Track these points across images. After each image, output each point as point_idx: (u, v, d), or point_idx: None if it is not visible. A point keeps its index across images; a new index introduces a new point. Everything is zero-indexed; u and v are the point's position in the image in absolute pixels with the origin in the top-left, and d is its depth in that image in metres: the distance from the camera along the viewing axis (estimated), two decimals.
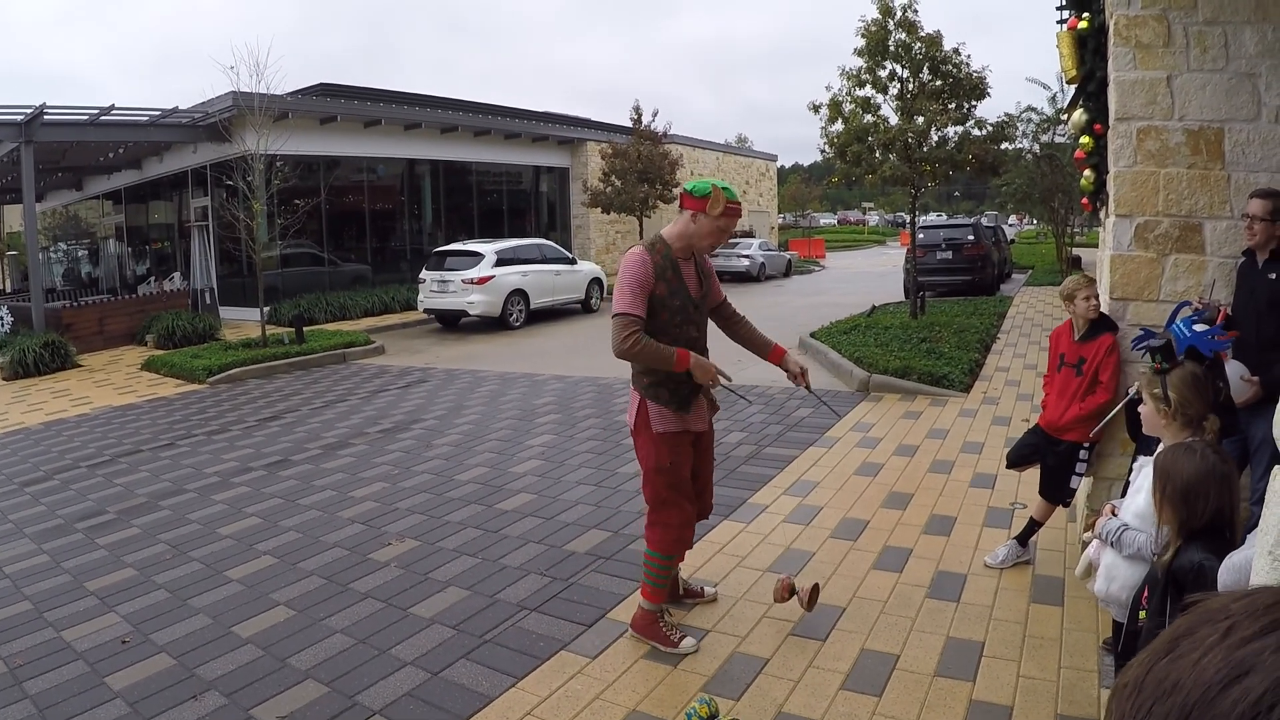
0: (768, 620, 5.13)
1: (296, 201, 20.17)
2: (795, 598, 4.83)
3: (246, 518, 7.68)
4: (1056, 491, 5.63)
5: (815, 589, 4.92)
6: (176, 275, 27.24)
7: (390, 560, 6.39)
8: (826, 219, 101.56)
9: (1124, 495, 4.08)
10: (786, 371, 5.14)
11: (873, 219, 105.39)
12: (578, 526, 6.92)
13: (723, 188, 4.68)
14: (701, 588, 5.47)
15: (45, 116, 19.92)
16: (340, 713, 4.39)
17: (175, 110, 23.24)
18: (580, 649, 4.89)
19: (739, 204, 4.77)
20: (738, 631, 5.01)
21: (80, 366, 18.36)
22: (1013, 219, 58.95)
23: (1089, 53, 5.86)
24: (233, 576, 6.30)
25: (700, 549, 6.24)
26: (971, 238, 23.79)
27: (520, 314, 21.09)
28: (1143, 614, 3.17)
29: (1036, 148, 27.97)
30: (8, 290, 33.20)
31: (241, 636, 5.32)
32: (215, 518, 7.73)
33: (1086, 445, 5.48)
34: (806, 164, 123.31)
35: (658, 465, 4.75)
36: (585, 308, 24.00)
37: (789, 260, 37.98)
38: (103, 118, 21.41)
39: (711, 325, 5.23)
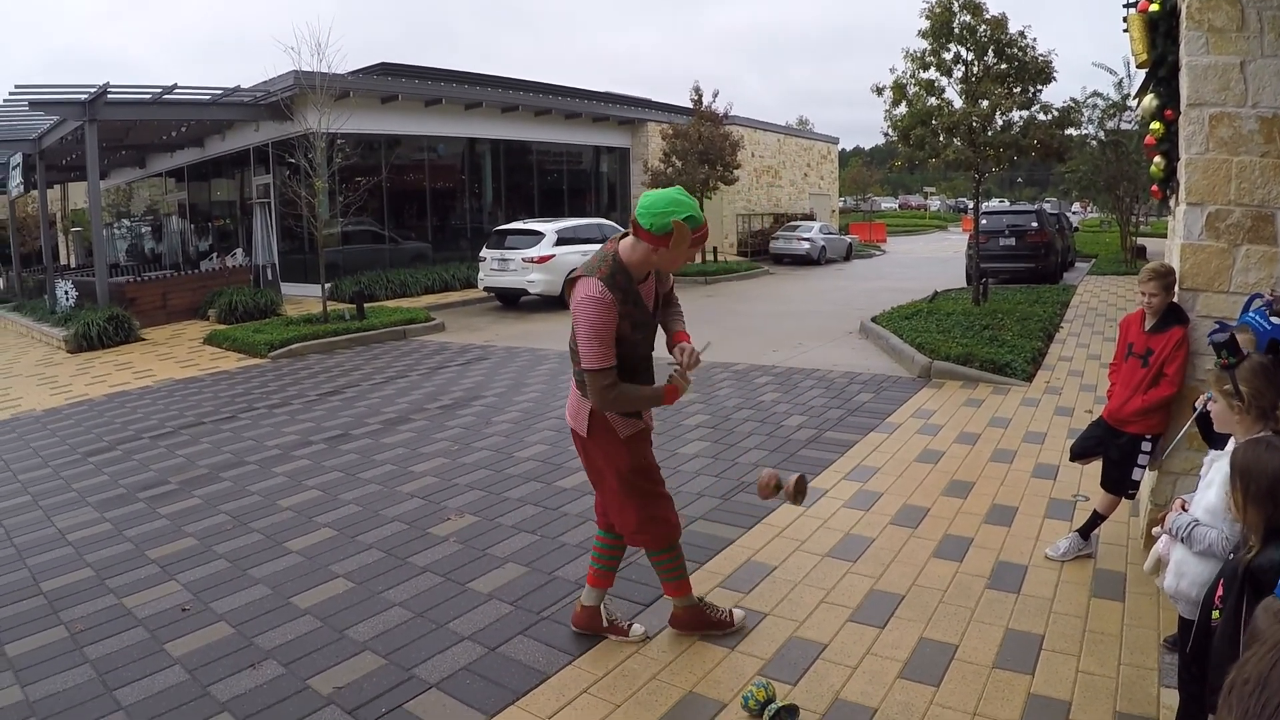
0: (826, 605, 5.09)
1: (358, 179, 20.31)
2: (781, 492, 4.50)
3: (306, 490, 7.76)
4: (1119, 484, 5.53)
5: (801, 480, 4.51)
6: (239, 251, 27.57)
7: (449, 535, 6.42)
8: (888, 203, 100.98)
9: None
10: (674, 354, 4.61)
11: (934, 204, 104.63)
12: None
13: (686, 217, 4.05)
14: (629, 625, 4.91)
15: (109, 95, 20.18)
16: (397, 685, 4.42)
17: (237, 89, 23.46)
18: (635, 630, 4.85)
19: (705, 226, 4.23)
20: (796, 616, 4.97)
21: (143, 340, 18.67)
22: (1076, 206, 58.10)
23: (1160, 36, 5.73)
24: (292, 548, 6.37)
25: (759, 532, 6.23)
26: (1035, 224, 23.46)
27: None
28: (1216, 613, 3.10)
29: (1102, 134, 27.54)
30: (72, 266, 33.70)
31: (300, 607, 5.38)
32: (276, 490, 7.81)
33: (1149, 438, 5.39)
34: (868, 147, 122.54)
35: (635, 464, 4.48)
36: None
37: (850, 244, 37.80)
38: (165, 96, 21.69)
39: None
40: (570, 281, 4.26)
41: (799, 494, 4.49)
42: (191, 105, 23.45)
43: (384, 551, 6.22)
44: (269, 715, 4.20)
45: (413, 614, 5.21)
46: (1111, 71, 26.68)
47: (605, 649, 4.72)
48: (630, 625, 4.87)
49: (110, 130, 23.86)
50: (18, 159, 24.69)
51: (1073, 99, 22.77)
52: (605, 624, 4.84)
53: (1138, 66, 6.13)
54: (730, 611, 4.79)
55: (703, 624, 4.76)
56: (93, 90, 19.66)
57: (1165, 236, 6.70)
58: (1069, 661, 4.34)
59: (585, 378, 4.20)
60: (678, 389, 4.33)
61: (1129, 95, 25.16)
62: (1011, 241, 23.05)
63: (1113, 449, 5.52)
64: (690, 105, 30.78)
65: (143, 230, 36.03)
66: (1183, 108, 5.37)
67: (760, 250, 36.23)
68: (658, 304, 4.52)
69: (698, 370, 4.94)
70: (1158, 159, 6.11)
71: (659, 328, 4.74)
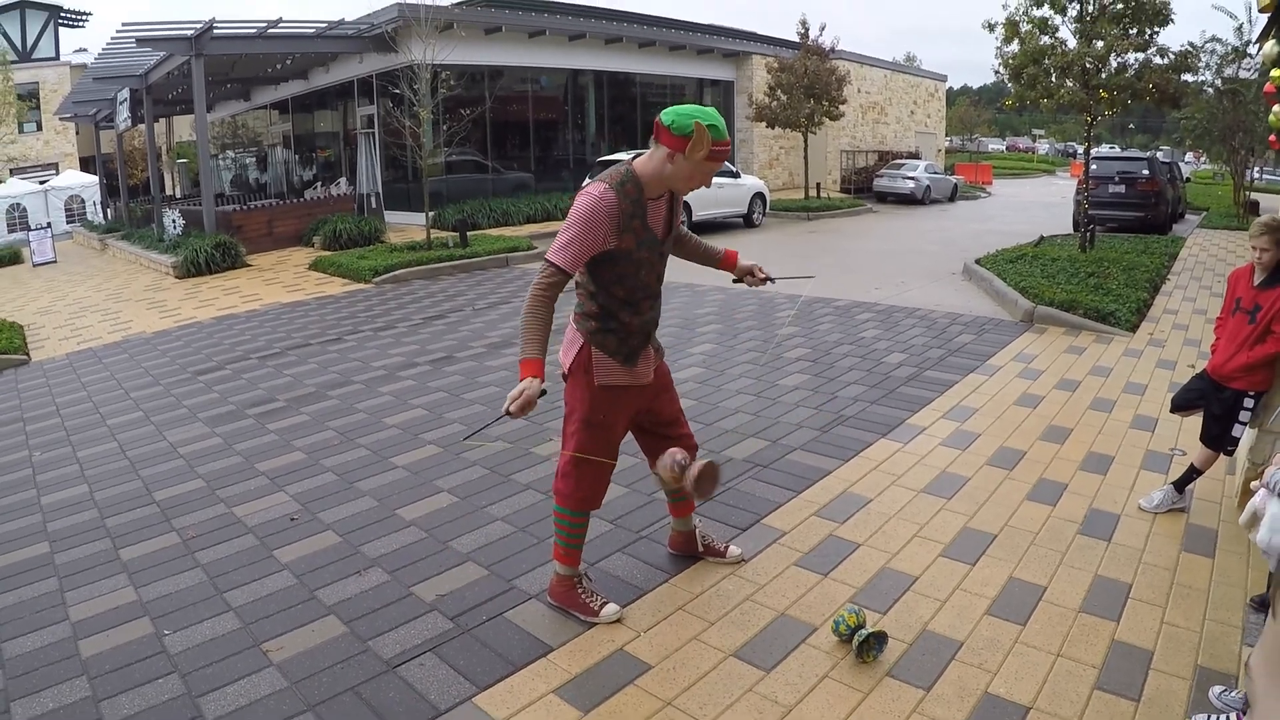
0: (919, 540, 5.13)
1: (461, 110, 20.42)
2: (686, 480, 4.04)
3: (412, 409, 7.94)
4: (1219, 440, 5.44)
5: (708, 469, 4.04)
6: (343, 180, 27.96)
7: (550, 455, 6.53)
8: (995, 144, 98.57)
9: None
10: (739, 272, 4.67)
11: (1042, 147, 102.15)
12: (736, 434, 6.96)
13: (709, 124, 3.76)
14: (725, 546, 4.94)
15: (214, 31, 20.55)
16: (498, 595, 4.56)
17: (341, 22, 23.78)
18: (732, 552, 4.92)
19: (727, 143, 3.92)
20: (888, 548, 5.02)
21: (249, 266, 19.09)
22: (1189, 156, 56.32)
23: None
24: (398, 463, 6.55)
25: (856, 465, 6.28)
26: (1146, 172, 22.75)
27: (681, 225, 20.78)
28: None
29: (1219, 81, 26.63)
30: (177, 196, 34.46)
31: (405, 519, 5.55)
32: (382, 408, 8.01)
33: (1252, 395, 5.30)
34: (976, 86, 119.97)
35: (589, 418, 4.15)
36: (747, 222, 23.95)
37: (955, 185, 36.85)
38: (270, 30, 22.06)
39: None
40: (581, 191, 3.94)
41: (700, 485, 4.03)
42: (296, 39, 23.80)
43: (488, 469, 6.37)
44: (374, 619, 4.37)
45: (515, 529, 5.35)
46: (1232, 15, 25.88)
47: (700, 569, 4.81)
48: (727, 547, 4.93)
49: (216, 65, 24.32)
50: (125, 94, 25.20)
51: (1190, 43, 21.91)
52: (701, 547, 4.90)
53: (1260, 10, 5.95)
54: (604, 604, 4.35)
55: (570, 602, 4.39)
56: (199, 26, 20.04)
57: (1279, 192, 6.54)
58: (1154, 612, 4.33)
59: (541, 265, 3.85)
60: (532, 372, 3.84)
61: (1249, 42, 24.33)
62: (1121, 189, 22.39)
63: (1214, 403, 5.43)
64: (796, 39, 30.40)
65: (247, 161, 36.71)
66: None
67: (864, 188, 35.62)
68: (669, 232, 4.20)
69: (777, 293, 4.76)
70: (1277, 108, 5.96)
71: (691, 250, 4.71)
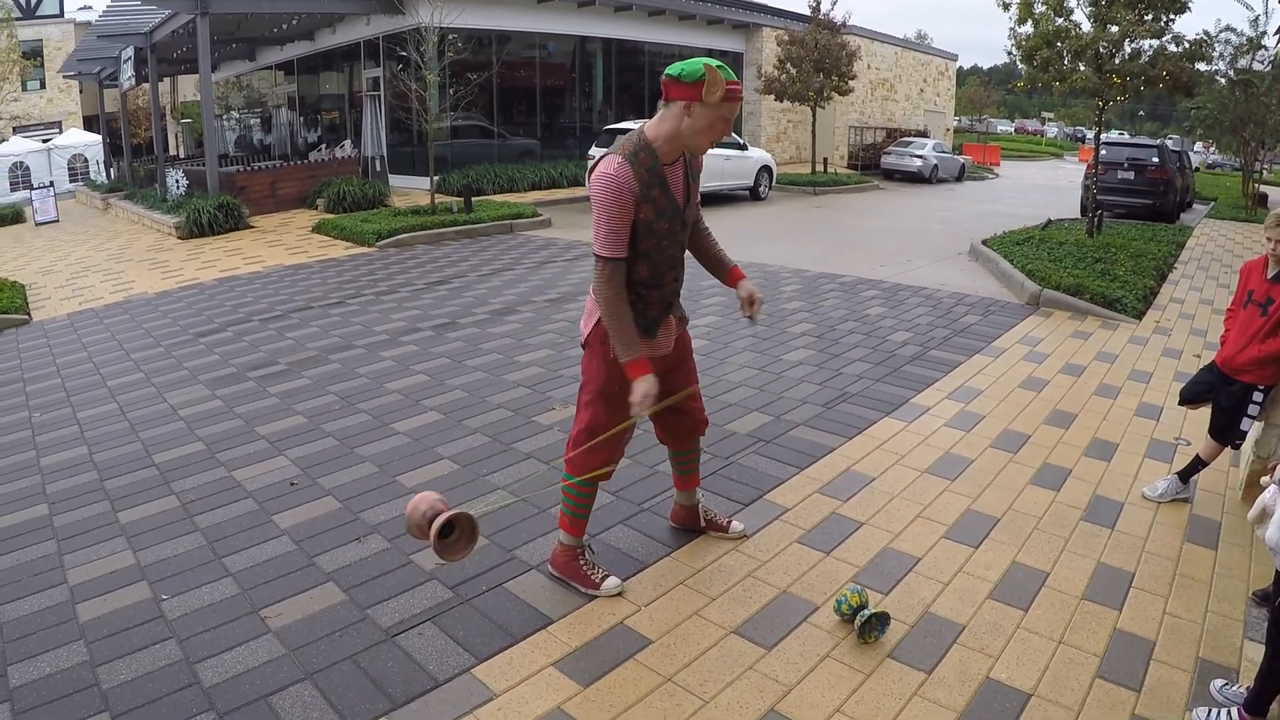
0: (922, 520, 5.11)
1: (468, 75, 20.30)
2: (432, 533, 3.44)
3: (414, 375, 7.90)
4: (1226, 432, 5.39)
5: (450, 526, 3.55)
6: (347, 143, 27.82)
7: (553, 424, 6.52)
8: (1004, 126, 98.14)
9: None
10: (739, 296, 4.43)
11: (1051, 130, 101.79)
12: (740, 408, 6.93)
13: (718, 65, 3.69)
14: (728, 521, 4.93)
15: None
16: (498, 565, 4.55)
17: None
18: (735, 527, 4.90)
19: (739, 84, 3.81)
20: (891, 528, 5.00)
21: (252, 228, 18.98)
22: (1199, 146, 56.08)
23: None
24: (399, 429, 6.52)
25: (860, 443, 6.25)
26: (1156, 160, 22.55)
27: (699, 212, 20.62)
28: None
29: (1232, 72, 26.50)
30: (181, 156, 34.31)
31: (406, 486, 5.51)
32: (383, 373, 7.97)
33: (1261, 389, 5.25)
34: (986, 66, 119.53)
35: (605, 388, 4.14)
36: (754, 195, 23.78)
37: (963, 165, 36.75)
38: None
39: None
40: (593, 165, 3.92)
41: (443, 544, 3.55)
42: None
43: (489, 437, 6.34)
44: (373, 587, 4.35)
45: (516, 498, 5.32)
46: (1248, 6, 25.74)
47: (702, 543, 4.79)
48: (730, 522, 4.91)
49: (221, 23, 24.21)
50: (129, 52, 24.99)
51: (1205, 32, 21.74)
52: (704, 522, 4.88)
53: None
54: (605, 577, 4.35)
55: (571, 573, 4.39)
56: None
57: None
58: (1157, 602, 4.32)
59: (595, 267, 3.89)
60: (644, 372, 3.86)
61: (1264, 33, 24.22)
62: (1130, 175, 22.20)
63: (1223, 396, 5.38)
64: (808, 12, 30.20)
65: (251, 122, 36.57)
66: None
67: (871, 164, 35.52)
68: (689, 201, 4.10)
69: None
70: None
71: (700, 247, 4.56)
